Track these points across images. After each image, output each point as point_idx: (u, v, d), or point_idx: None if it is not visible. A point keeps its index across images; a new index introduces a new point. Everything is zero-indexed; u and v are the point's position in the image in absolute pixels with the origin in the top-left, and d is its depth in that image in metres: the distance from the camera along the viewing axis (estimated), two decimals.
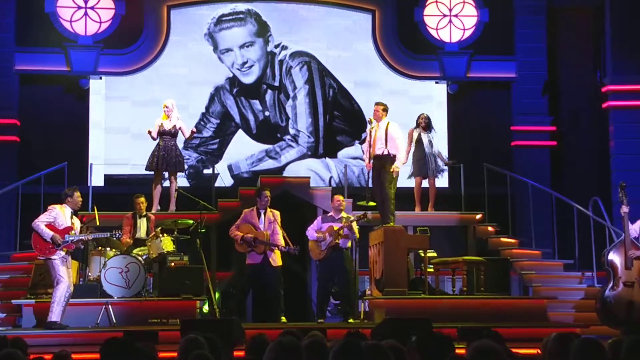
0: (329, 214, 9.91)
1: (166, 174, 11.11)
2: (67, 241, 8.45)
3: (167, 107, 10.86)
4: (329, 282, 9.77)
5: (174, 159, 10.87)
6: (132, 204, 10.20)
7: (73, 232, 8.54)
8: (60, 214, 8.56)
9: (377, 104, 10.01)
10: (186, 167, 12.46)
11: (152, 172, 10.95)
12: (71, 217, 8.66)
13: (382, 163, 9.72)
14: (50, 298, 8.83)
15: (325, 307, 9.79)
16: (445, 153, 12.02)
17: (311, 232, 9.79)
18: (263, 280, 9.58)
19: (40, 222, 8.46)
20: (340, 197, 9.91)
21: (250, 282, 9.68)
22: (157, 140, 10.84)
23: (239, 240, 9.50)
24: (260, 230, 9.48)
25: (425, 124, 11.29)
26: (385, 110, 9.91)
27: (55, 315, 8.39)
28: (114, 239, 9.38)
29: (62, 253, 8.49)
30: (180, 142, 11.38)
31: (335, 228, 9.56)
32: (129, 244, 9.89)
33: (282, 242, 9.46)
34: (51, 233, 8.39)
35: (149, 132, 10.86)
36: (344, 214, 9.77)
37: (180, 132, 10.93)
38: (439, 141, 11.75)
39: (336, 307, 10.77)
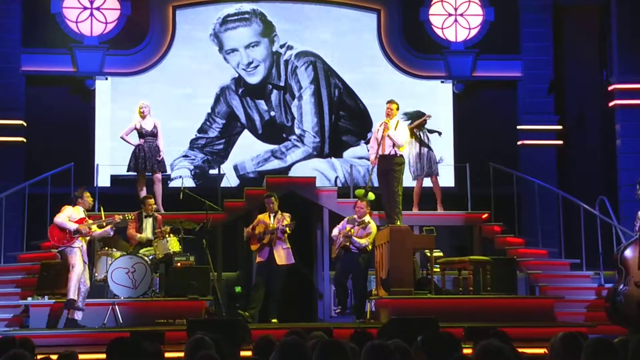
0: (353, 217, 10.04)
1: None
2: (89, 227, 8.88)
3: (143, 107, 10.91)
4: (342, 279, 9.91)
5: (156, 160, 10.90)
6: (141, 204, 10.23)
7: (86, 222, 8.92)
8: (75, 213, 8.92)
9: (391, 102, 10.07)
10: (192, 168, 12.46)
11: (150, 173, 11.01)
12: (85, 214, 9.04)
13: (390, 163, 9.78)
14: (56, 298, 9.01)
15: (345, 301, 9.93)
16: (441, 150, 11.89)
17: (334, 232, 10.07)
18: (269, 278, 9.75)
19: (65, 220, 8.85)
20: (364, 203, 9.99)
21: (260, 279, 9.80)
22: (139, 141, 10.89)
23: (248, 234, 9.83)
24: (269, 223, 9.80)
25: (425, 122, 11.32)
26: (398, 108, 10.11)
27: (72, 293, 8.68)
28: (128, 219, 9.55)
29: (81, 242, 8.80)
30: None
31: (347, 229, 9.74)
32: (138, 236, 9.91)
33: (282, 224, 9.70)
34: (76, 225, 8.81)
35: (125, 139, 10.97)
36: (366, 218, 9.90)
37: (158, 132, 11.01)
38: (442, 139, 11.76)
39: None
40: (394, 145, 9.81)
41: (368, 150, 10.98)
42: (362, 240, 9.77)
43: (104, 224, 9.07)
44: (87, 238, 8.98)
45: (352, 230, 9.76)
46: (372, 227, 9.87)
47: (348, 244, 9.74)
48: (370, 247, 9.86)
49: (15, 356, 3.79)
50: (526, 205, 12.54)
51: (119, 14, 13.37)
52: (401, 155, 9.92)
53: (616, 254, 9.00)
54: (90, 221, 8.99)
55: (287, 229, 9.68)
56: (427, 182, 11.52)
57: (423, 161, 11.20)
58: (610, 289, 9.09)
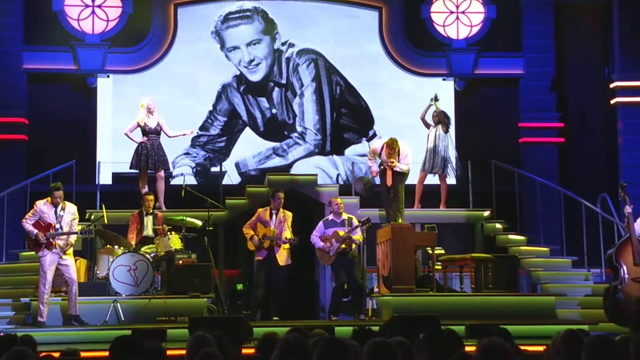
0: (330, 219, 10.03)
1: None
2: (48, 238, 8.66)
3: (149, 105, 10.92)
4: (343, 282, 9.92)
5: (161, 157, 10.92)
6: (140, 200, 10.26)
7: (52, 229, 8.69)
8: (44, 210, 8.74)
9: (394, 142, 10.19)
10: (194, 165, 12.46)
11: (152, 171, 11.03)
12: (58, 209, 8.74)
13: (397, 179, 10.03)
14: (58, 295, 9.03)
15: (339, 305, 9.89)
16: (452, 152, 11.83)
17: (316, 240, 9.98)
18: (269, 276, 9.73)
19: (27, 224, 8.75)
20: (338, 200, 10.09)
21: (259, 277, 9.80)
22: (142, 139, 10.90)
23: (249, 237, 9.74)
24: (269, 227, 9.67)
25: (437, 120, 11.29)
26: (399, 147, 10.27)
27: (43, 314, 8.68)
28: (85, 236, 9.31)
29: (47, 251, 8.68)
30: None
31: (341, 234, 9.73)
32: (132, 245, 9.88)
33: (285, 237, 9.65)
34: (35, 231, 8.67)
35: (129, 136, 10.98)
36: (345, 215, 9.89)
37: (162, 129, 11.03)
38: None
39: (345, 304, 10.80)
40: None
41: (368, 155, 10.96)
42: (359, 237, 9.81)
43: (65, 236, 8.75)
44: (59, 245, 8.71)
45: (342, 232, 9.76)
46: (354, 220, 9.93)
47: (344, 246, 9.75)
48: (361, 238, 9.93)
49: (18, 353, 3.80)
50: (528, 202, 12.53)
51: (120, 11, 13.37)
52: (405, 170, 10.19)
53: (611, 252, 9.04)
54: (51, 233, 8.67)
55: (290, 243, 9.68)
56: (430, 180, 11.51)
57: (437, 158, 11.15)
58: (609, 287, 9.10)
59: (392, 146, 10.17)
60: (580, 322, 9.22)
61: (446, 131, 11.23)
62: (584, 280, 10.87)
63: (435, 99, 11.28)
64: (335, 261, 9.84)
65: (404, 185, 10.14)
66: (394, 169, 10.17)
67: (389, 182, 10.15)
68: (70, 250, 8.89)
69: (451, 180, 11.89)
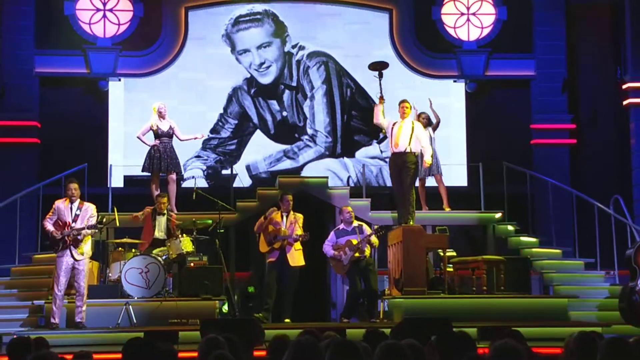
0: (341, 228, 10.04)
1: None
2: (65, 234, 8.72)
3: (161, 108, 10.95)
4: (358, 286, 9.89)
5: (173, 160, 10.94)
6: (154, 202, 10.28)
7: (68, 228, 8.77)
8: (62, 209, 8.85)
9: (406, 101, 10.10)
10: (204, 168, 12.49)
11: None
12: (75, 208, 8.83)
13: (404, 160, 9.83)
14: (70, 298, 9.04)
15: (354, 310, 9.88)
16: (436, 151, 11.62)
17: (328, 249, 10.01)
18: (280, 278, 9.74)
19: (47, 223, 8.86)
20: (349, 208, 10.12)
21: (270, 279, 9.81)
22: (154, 142, 10.92)
23: (258, 225, 9.84)
24: (280, 228, 9.77)
25: (426, 123, 11.24)
26: (411, 107, 10.19)
27: (56, 316, 8.76)
28: (92, 230, 9.15)
29: (64, 250, 8.72)
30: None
31: (354, 242, 9.75)
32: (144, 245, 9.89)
33: (296, 233, 9.71)
34: (51, 229, 8.80)
35: (141, 139, 10.99)
36: (355, 223, 9.92)
37: (174, 133, 11.05)
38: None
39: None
40: (409, 142, 9.85)
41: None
42: (375, 241, 9.87)
43: (85, 230, 8.77)
44: (76, 243, 8.76)
45: (355, 240, 9.78)
46: (365, 227, 10.00)
47: (358, 254, 9.77)
48: (377, 244, 10.03)
49: (43, 357, 3.82)
50: (540, 204, 12.48)
51: (131, 15, 13.42)
52: (414, 153, 9.95)
53: (630, 253, 8.96)
54: (75, 226, 8.73)
55: (301, 238, 9.70)
56: (431, 182, 11.47)
57: (432, 160, 11.07)
58: (625, 289, 9.04)
59: (404, 103, 10.09)
60: (594, 324, 9.17)
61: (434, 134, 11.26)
62: (597, 282, 10.80)
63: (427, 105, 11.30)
64: (350, 269, 9.86)
65: (414, 186, 10.10)
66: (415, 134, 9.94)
67: (396, 147, 9.87)
68: (87, 254, 8.89)
69: (463, 181, 11.84)
